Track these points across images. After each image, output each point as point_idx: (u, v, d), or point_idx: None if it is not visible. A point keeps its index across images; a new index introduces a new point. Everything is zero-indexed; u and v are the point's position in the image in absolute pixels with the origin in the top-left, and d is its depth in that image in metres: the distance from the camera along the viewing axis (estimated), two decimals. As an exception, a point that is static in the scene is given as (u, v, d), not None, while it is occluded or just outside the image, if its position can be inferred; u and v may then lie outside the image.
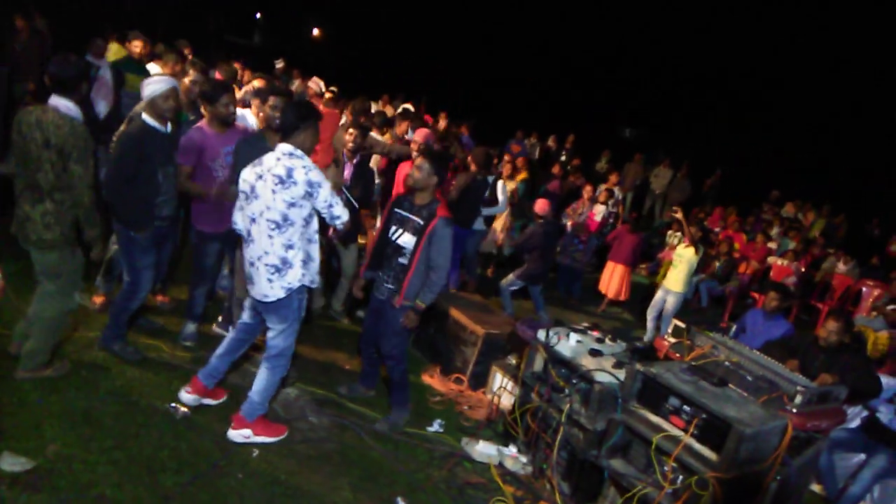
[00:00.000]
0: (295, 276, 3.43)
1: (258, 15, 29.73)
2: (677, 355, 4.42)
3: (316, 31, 30.02)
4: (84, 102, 3.65)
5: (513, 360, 4.87)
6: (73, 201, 3.47)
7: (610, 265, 8.35)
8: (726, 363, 4.21)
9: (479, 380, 5.02)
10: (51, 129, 3.32)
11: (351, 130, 5.31)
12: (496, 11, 25.67)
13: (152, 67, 6.20)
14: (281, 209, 3.31)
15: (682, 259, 7.13)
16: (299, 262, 3.43)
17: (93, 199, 3.53)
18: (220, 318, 4.90)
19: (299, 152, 3.39)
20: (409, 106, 10.27)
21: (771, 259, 10.21)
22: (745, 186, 16.14)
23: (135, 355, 4.19)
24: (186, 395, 3.81)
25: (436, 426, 4.40)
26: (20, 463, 3.04)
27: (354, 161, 5.33)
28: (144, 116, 3.88)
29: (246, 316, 3.80)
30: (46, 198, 3.43)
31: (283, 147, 3.39)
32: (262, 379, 3.65)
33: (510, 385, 4.63)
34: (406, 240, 3.96)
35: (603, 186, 9.29)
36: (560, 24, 25.22)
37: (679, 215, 7.45)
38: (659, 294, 7.30)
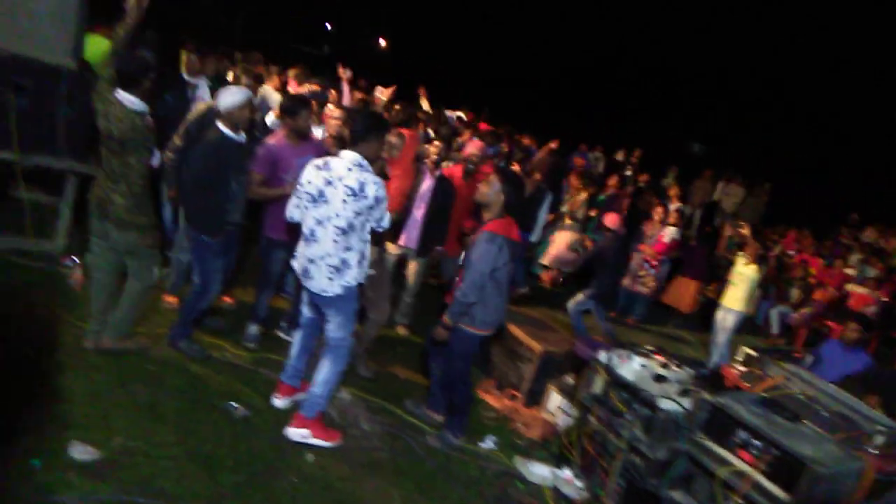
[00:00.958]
0: (352, 276, 3.58)
1: (328, 25, 30.54)
2: (747, 385, 4.22)
3: (383, 42, 30.57)
4: (150, 100, 3.85)
5: (570, 380, 4.75)
6: (141, 187, 3.79)
7: (679, 280, 8.18)
8: (800, 396, 3.99)
9: (535, 397, 4.92)
10: (114, 121, 3.61)
11: (436, 142, 5.38)
12: (562, 24, 25.49)
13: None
14: (349, 217, 3.43)
15: (742, 277, 6.81)
16: (356, 262, 3.57)
17: (146, 189, 3.84)
18: (283, 323, 4.97)
19: (366, 163, 3.45)
20: (461, 114, 10.22)
21: (850, 286, 9.64)
22: (822, 208, 15.35)
23: (199, 353, 4.31)
24: (279, 401, 4.01)
25: (489, 442, 4.33)
26: (88, 452, 3.16)
27: (436, 173, 5.39)
28: (221, 126, 4.02)
29: (306, 311, 3.92)
30: (121, 182, 3.74)
31: (352, 156, 3.45)
32: (323, 370, 3.74)
33: (567, 405, 4.51)
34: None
35: (673, 207, 8.87)
36: (626, 37, 24.79)
37: (745, 231, 7.17)
38: (719, 313, 6.99)
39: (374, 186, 3.42)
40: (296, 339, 4.02)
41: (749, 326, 8.78)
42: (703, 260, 8.21)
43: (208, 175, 3.99)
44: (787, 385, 4.13)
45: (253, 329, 4.70)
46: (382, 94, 9.09)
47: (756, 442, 3.31)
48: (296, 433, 3.72)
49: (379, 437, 4.07)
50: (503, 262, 3.92)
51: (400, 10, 26.67)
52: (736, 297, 6.83)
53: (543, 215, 7.77)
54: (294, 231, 4.40)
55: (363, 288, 3.86)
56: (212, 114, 4.48)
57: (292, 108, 4.37)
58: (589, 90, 25.02)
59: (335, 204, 3.43)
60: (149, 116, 3.80)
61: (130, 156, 3.70)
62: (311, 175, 3.52)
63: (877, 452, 3.60)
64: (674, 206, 8.81)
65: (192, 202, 4.11)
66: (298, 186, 3.58)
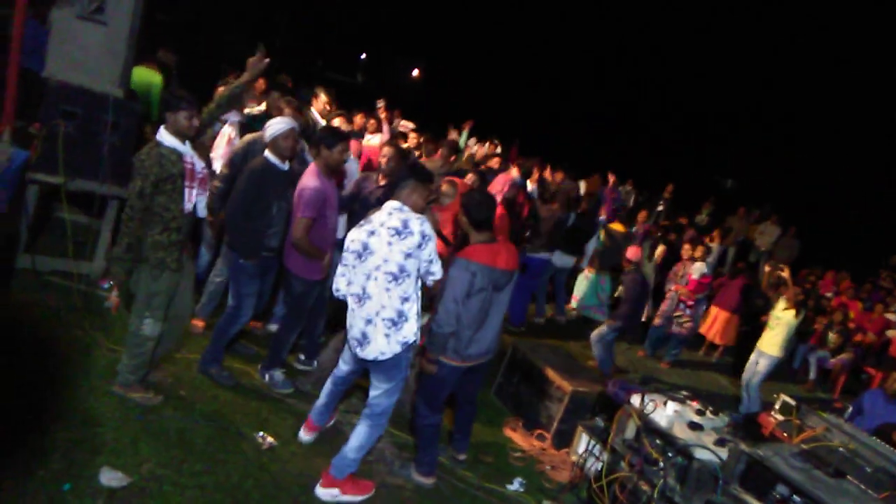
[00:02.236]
0: (410, 330, 3.42)
1: (363, 55, 31.20)
2: (785, 435, 4.07)
3: (416, 72, 31.06)
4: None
5: (601, 422, 4.64)
6: (165, 226, 3.61)
7: (714, 310, 8.09)
8: (841, 450, 3.82)
9: (564, 438, 4.82)
10: (153, 161, 3.50)
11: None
12: (592, 54, 25.61)
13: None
14: (398, 261, 3.32)
15: (779, 321, 6.63)
16: (414, 316, 3.43)
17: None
18: (301, 356, 4.92)
19: (407, 208, 3.43)
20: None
21: (891, 333, 9.33)
22: (861, 249, 14.97)
23: (229, 380, 4.33)
24: (305, 436, 3.97)
25: (516, 485, 4.24)
26: (117, 478, 3.17)
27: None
28: (267, 154, 4.16)
29: (343, 366, 3.81)
30: (156, 223, 3.62)
31: (392, 204, 3.43)
32: (360, 436, 3.57)
33: (597, 449, 4.40)
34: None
35: (696, 249, 8.62)
36: (660, 69, 24.80)
37: (785, 273, 7.00)
38: (753, 356, 6.80)
39: (417, 222, 3.33)
40: (327, 387, 3.90)
41: (785, 371, 8.54)
42: (736, 291, 8.08)
43: (251, 200, 4.10)
44: (827, 437, 3.96)
45: (278, 375, 4.53)
46: (405, 127, 9.21)
47: (797, 498, 3.17)
48: (326, 493, 3.55)
49: (405, 478, 4.00)
50: (477, 290, 3.62)
51: (434, 41, 27.12)
52: (772, 341, 6.65)
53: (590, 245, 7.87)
54: (325, 269, 4.42)
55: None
56: (257, 144, 4.57)
57: (330, 139, 4.27)
58: (622, 124, 25.02)
59: (381, 250, 3.33)
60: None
61: (160, 196, 3.56)
62: (354, 234, 3.45)
63: (925, 513, 3.42)
64: (714, 245, 8.69)
65: (234, 225, 4.19)
66: (344, 253, 3.48)
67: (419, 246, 3.32)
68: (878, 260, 13.56)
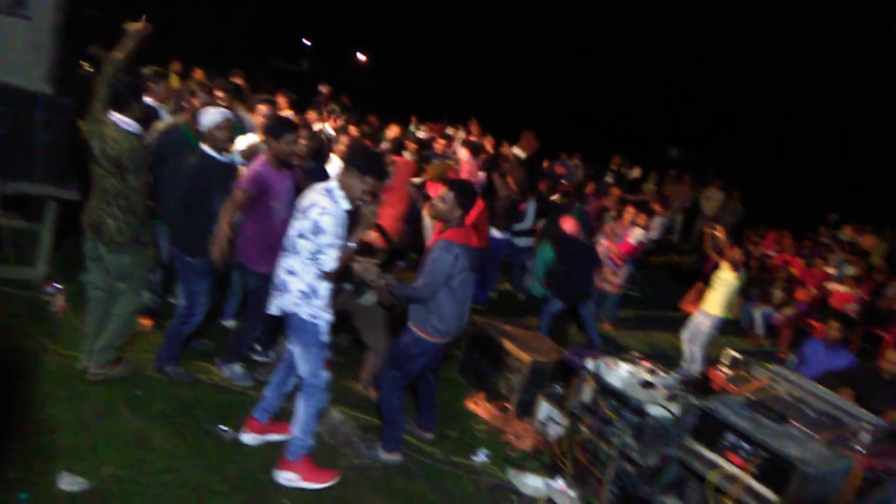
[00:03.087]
0: (288, 301, 3.45)
1: (307, 42, 30.59)
2: (734, 388, 4.26)
3: (362, 57, 30.66)
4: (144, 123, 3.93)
5: (560, 389, 4.77)
6: (137, 208, 3.81)
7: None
8: (786, 397, 4.04)
9: (526, 408, 4.93)
10: (109, 142, 3.65)
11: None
12: (537, 32, 25.76)
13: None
14: (293, 236, 3.39)
15: (721, 282, 6.85)
16: (297, 292, 3.42)
17: (145, 208, 3.90)
18: (257, 347, 4.84)
19: (339, 192, 3.38)
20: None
21: (830, 285, 9.81)
22: (799, 209, 15.62)
23: (187, 377, 4.27)
24: (246, 437, 3.82)
25: (482, 456, 4.33)
26: (77, 483, 3.12)
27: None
28: (203, 147, 4.02)
29: (290, 345, 3.73)
30: (113, 203, 3.76)
31: (330, 183, 3.45)
32: (299, 412, 3.56)
33: (557, 415, 4.53)
34: None
35: (640, 216, 8.74)
36: (605, 44, 25.12)
37: (719, 234, 7.25)
38: (697, 317, 7.00)
39: (318, 210, 3.29)
40: (275, 372, 3.88)
41: (733, 328, 8.89)
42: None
43: (194, 196, 3.98)
44: (773, 387, 4.18)
45: (238, 369, 4.48)
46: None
47: (745, 445, 3.35)
48: (283, 477, 3.54)
49: (371, 454, 4.05)
50: (459, 271, 3.82)
51: (381, 25, 26.80)
52: (713, 301, 6.84)
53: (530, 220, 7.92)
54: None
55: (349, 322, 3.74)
56: (173, 132, 4.49)
57: (277, 129, 4.14)
58: (569, 98, 25.28)
59: (295, 221, 3.44)
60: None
61: (130, 176, 3.75)
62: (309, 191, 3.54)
63: (864, 450, 3.65)
64: (658, 216, 8.84)
65: (178, 224, 4.08)
66: None
67: (312, 232, 3.30)
68: (817, 218, 14.20)
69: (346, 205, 3.40)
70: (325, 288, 3.45)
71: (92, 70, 6.91)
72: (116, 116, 3.68)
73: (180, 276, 4.21)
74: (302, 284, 3.41)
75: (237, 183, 4.14)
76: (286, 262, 3.46)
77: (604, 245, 7.74)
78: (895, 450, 3.84)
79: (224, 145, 4.08)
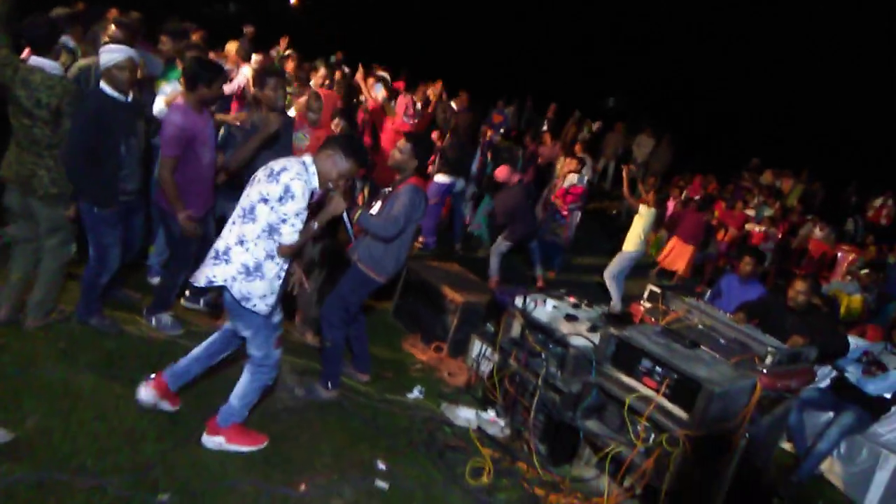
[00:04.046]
0: (225, 273, 3.11)
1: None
2: (652, 320, 4.51)
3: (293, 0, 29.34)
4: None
5: (491, 328, 4.93)
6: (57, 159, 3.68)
7: (674, 241, 8.60)
8: (700, 326, 4.31)
9: (459, 347, 5.09)
10: (41, 89, 3.51)
11: None
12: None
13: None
14: (253, 200, 3.11)
15: (636, 218, 7.22)
16: (238, 265, 3.12)
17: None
18: (186, 292, 4.77)
19: (313, 168, 3.20)
20: (384, 74, 10.10)
21: (749, 226, 10.36)
22: (727, 155, 16.24)
23: (113, 328, 4.19)
24: (144, 391, 3.46)
25: (416, 393, 4.47)
26: (0, 435, 3.06)
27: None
28: (102, 85, 3.75)
29: (229, 323, 3.48)
30: (46, 154, 3.64)
31: (306, 157, 3.24)
32: (240, 384, 3.42)
33: (489, 352, 4.70)
34: (376, 209, 4.06)
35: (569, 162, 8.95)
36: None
37: (624, 172, 7.71)
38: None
39: (289, 175, 3.06)
40: (207, 342, 3.54)
41: (657, 267, 9.31)
42: (694, 223, 8.57)
43: (90, 140, 3.67)
44: (688, 317, 4.44)
45: (166, 318, 4.39)
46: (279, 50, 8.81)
47: (658, 369, 3.58)
48: (210, 441, 3.40)
49: (306, 396, 4.11)
50: (417, 217, 4.03)
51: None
52: (627, 237, 7.20)
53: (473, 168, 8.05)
54: (207, 205, 4.30)
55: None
56: (85, 76, 4.29)
57: (209, 76, 3.99)
58: (506, 44, 25.05)
59: (254, 187, 3.15)
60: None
61: (66, 122, 3.62)
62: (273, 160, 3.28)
63: (766, 371, 3.96)
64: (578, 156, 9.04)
65: (78, 171, 3.74)
66: None
67: (279, 199, 3.05)
68: (741, 162, 14.80)
69: (315, 184, 3.19)
70: (271, 268, 3.16)
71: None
72: (40, 60, 3.50)
73: (88, 227, 3.96)
74: (248, 257, 3.11)
75: (162, 142, 3.96)
76: (237, 230, 3.13)
77: (549, 198, 7.96)
78: (794, 371, 4.19)
79: (125, 87, 3.78)
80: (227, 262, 3.13)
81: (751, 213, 10.96)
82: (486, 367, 4.64)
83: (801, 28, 20.67)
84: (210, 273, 3.15)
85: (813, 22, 20.20)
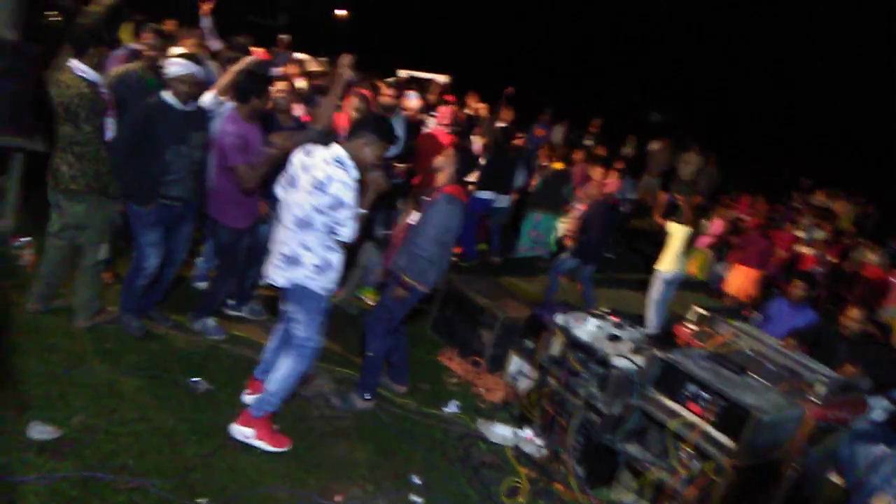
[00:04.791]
0: (304, 275, 3.37)
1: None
2: (698, 343, 4.38)
3: (342, 12, 29.91)
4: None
5: (530, 344, 4.86)
6: (93, 156, 3.79)
7: (735, 268, 8.40)
8: (747, 351, 4.17)
9: (497, 363, 5.03)
10: (62, 87, 3.66)
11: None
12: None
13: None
14: (307, 211, 3.29)
15: (670, 236, 6.88)
16: (311, 266, 3.36)
17: (101, 158, 3.84)
18: (230, 301, 4.86)
19: (349, 161, 3.32)
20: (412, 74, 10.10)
21: (799, 248, 10.01)
22: (776, 175, 15.80)
23: (136, 331, 4.18)
24: (248, 398, 3.74)
25: (452, 407, 4.43)
26: (47, 432, 3.13)
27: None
28: (163, 94, 3.92)
29: (284, 304, 3.65)
30: (68, 150, 3.76)
31: (337, 150, 3.32)
32: (282, 367, 3.51)
33: (527, 368, 4.63)
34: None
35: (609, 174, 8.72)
36: (582, 4, 24.77)
37: (660, 198, 7.47)
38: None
39: (339, 185, 3.23)
40: (274, 333, 3.80)
41: (704, 289, 9.08)
42: (756, 245, 8.34)
43: (135, 139, 3.82)
44: (735, 342, 4.30)
45: (210, 323, 4.50)
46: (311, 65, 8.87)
47: (704, 394, 3.47)
48: (239, 431, 3.47)
49: (343, 405, 4.11)
50: (455, 227, 4.01)
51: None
52: (665, 256, 6.87)
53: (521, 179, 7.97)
54: (253, 216, 4.38)
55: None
56: (130, 76, 4.44)
57: (260, 88, 4.16)
58: (547, 59, 25.02)
59: (300, 194, 3.31)
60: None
61: (85, 123, 3.72)
62: (297, 157, 3.40)
63: (818, 401, 3.80)
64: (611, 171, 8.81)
65: (118, 166, 3.88)
66: (288, 166, 3.43)
67: (332, 207, 3.26)
68: (791, 184, 14.37)
69: (356, 173, 3.34)
70: (337, 260, 3.45)
71: (60, 19, 6.68)
72: (74, 62, 3.68)
73: (131, 225, 4.08)
74: (316, 258, 3.36)
75: (222, 153, 4.09)
76: (299, 237, 3.34)
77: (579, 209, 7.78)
78: (846, 402, 4.01)
79: (183, 97, 3.92)
80: (299, 265, 3.37)
81: (801, 234, 10.60)
82: (524, 384, 4.58)
83: (859, 48, 20.07)
84: (286, 275, 3.41)
85: (874, 43, 19.59)
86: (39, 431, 3.12)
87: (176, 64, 3.88)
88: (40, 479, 2.85)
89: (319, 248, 3.36)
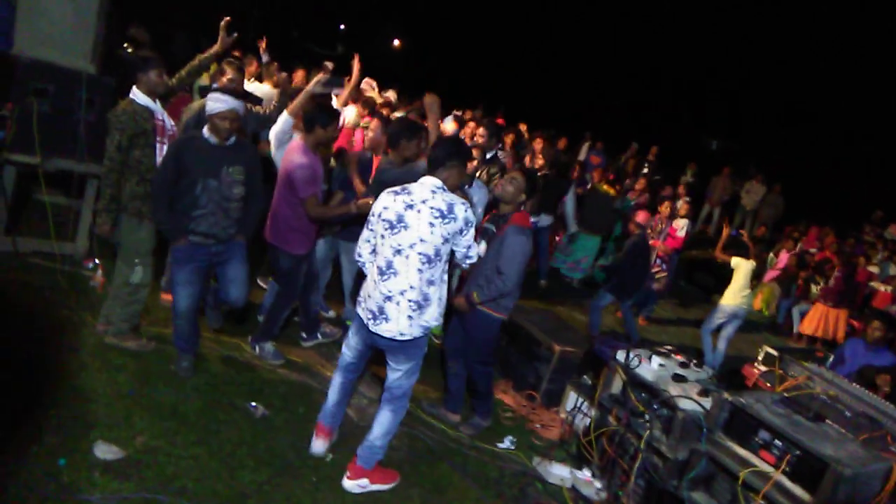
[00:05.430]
0: (432, 315, 3.29)
1: (342, 26, 30.68)
2: (768, 385, 4.16)
3: (396, 42, 30.63)
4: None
5: (588, 380, 4.72)
6: (133, 179, 3.96)
7: (818, 307, 8.20)
8: (823, 396, 3.93)
9: (553, 398, 4.90)
10: (115, 111, 3.91)
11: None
12: (579, 22, 25.34)
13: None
14: (436, 243, 3.17)
15: (734, 270, 6.63)
16: (437, 300, 3.30)
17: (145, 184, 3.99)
18: (303, 334, 4.93)
19: (446, 190, 3.27)
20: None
21: (873, 284, 9.50)
22: (845, 205, 15.11)
23: (185, 372, 4.07)
24: (318, 445, 3.66)
25: (507, 443, 4.33)
26: (112, 451, 3.21)
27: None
28: (205, 129, 3.85)
29: (348, 354, 3.54)
30: (128, 173, 3.98)
31: (432, 181, 3.24)
32: (384, 423, 3.47)
33: (585, 405, 4.49)
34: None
35: (682, 200, 8.64)
36: (642, 32, 24.59)
37: (724, 231, 7.24)
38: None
39: (462, 208, 3.20)
40: (335, 382, 3.62)
41: (770, 325, 8.69)
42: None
43: (167, 173, 3.75)
44: (809, 385, 4.07)
45: (269, 348, 4.54)
46: (368, 85, 8.96)
47: (778, 442, 3.27)
48: (354, 485, 3.46)
49: (397, 437, 4.06)
50: (528, 252, 4.12)
51: (415, 10, 26.70)
52: (727, 290, 6.62)
53: (571, 207, 7.85)
54: (311, 241, 4.44)
55: None
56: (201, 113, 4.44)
57: (325, 118, 4.18)
58: (605, 85, 24.87)
59: (420, 229, 3.14)
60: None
61: (132, 148, 3.91)
62: (387, 201, 3.23)
63: (903, 454, 3.53)
64: (683, 199, 8.61)
65: (154, 198, 3.86)
66: (371, 218, 3.30)
67: (460, 232, 3.21)
68: (862, 216, 13.70)
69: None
70: (435, 292, 3.30)
71: (133, 51, 7.03)
72: (133, 89, 3.97)
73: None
74: (440, 292, 3.33)
75: (291, 186, 4.14)
76: (425, 275, 3.20)
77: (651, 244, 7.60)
78: (937, 455, 3.71)
79: (222, 134, 3.78)
80: (429, 303, 3.27)
81: (874, 270, 10.06)
82: (581, 422, 4.43)
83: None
84: (419, 322, 3.27)
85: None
86: (104, 451, 3.20)
87: (217, 100, 3.73)
88: (104, 500, 2.91)
89: (440, 279, 3.31)
